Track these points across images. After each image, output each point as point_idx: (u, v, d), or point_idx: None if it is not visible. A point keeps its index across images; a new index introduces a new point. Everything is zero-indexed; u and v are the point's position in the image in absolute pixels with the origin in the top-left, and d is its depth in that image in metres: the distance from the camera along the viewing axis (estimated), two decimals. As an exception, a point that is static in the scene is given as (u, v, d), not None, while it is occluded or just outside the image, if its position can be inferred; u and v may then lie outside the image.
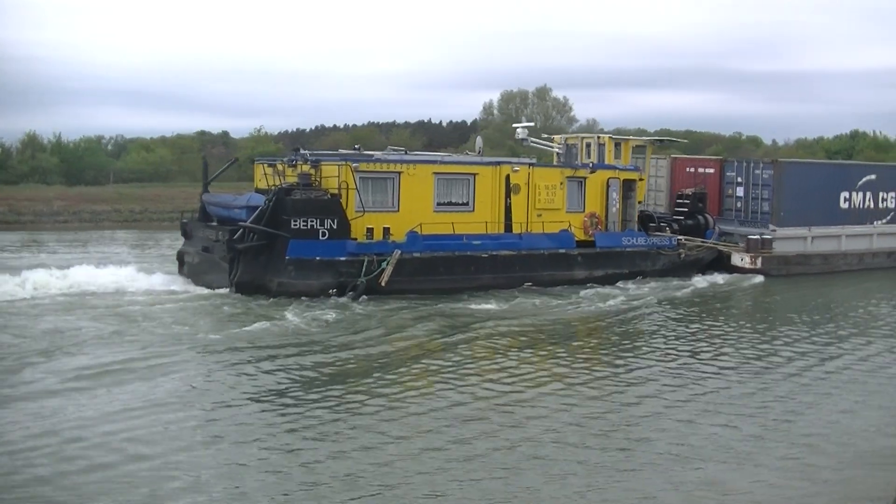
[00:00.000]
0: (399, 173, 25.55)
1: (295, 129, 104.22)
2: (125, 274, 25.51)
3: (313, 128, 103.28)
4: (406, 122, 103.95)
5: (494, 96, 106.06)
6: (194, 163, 69.52)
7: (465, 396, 14.69)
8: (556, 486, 10.65)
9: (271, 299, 23.02)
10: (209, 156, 74.58)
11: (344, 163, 24.74)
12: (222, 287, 24.10)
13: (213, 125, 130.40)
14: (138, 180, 63.08)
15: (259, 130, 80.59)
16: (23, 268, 25.51)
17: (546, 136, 34.51)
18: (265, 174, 25.77)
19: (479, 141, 32.69)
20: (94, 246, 36.19)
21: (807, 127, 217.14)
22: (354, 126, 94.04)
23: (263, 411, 13.56)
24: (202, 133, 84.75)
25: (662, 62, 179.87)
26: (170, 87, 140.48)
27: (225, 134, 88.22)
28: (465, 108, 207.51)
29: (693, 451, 12.06)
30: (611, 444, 12.29)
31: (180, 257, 27.33)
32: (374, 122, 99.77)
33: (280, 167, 25.96)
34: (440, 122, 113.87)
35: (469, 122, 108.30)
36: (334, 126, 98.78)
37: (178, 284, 25.41)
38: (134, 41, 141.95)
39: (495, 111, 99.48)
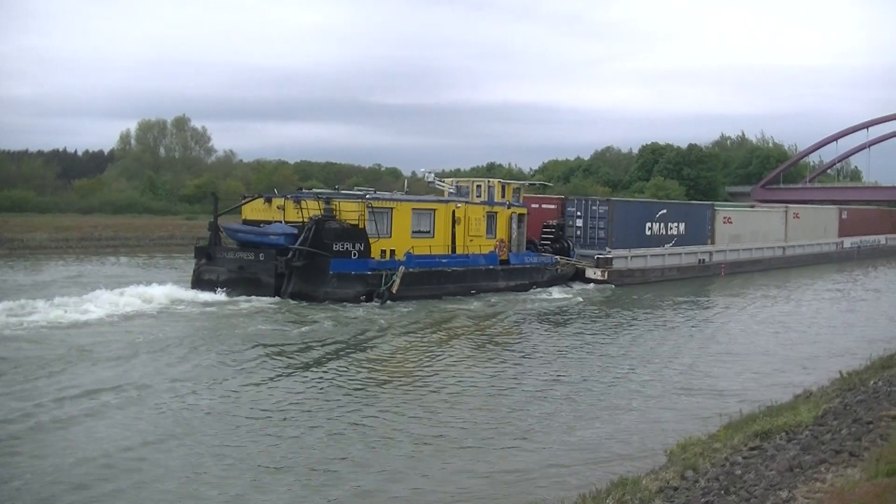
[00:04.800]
0: (392, 208, 34.95)
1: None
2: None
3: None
4: (39, 151, 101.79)
5: (132, 125, 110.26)
6: None
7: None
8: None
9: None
10: None
11: (362, 200, 33.73)
12: (262, 297, 31.71)
13: None
14: None
15: None
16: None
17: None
18: (299, 208, 33.43)
19: (406, 184, 42.36)
20: None
21: (445, 159, 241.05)
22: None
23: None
24: None
25: (300, 94, 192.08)
26: None
27: None
28: (102, 137, 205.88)
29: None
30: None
31: (198, 276, 34.08)
32: (4, 150, 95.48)
33: (282, 202, 34.28)
34: (76, 151, 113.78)
35: (106, 151, 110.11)
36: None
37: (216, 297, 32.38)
38: None
39: (133, 141, 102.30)
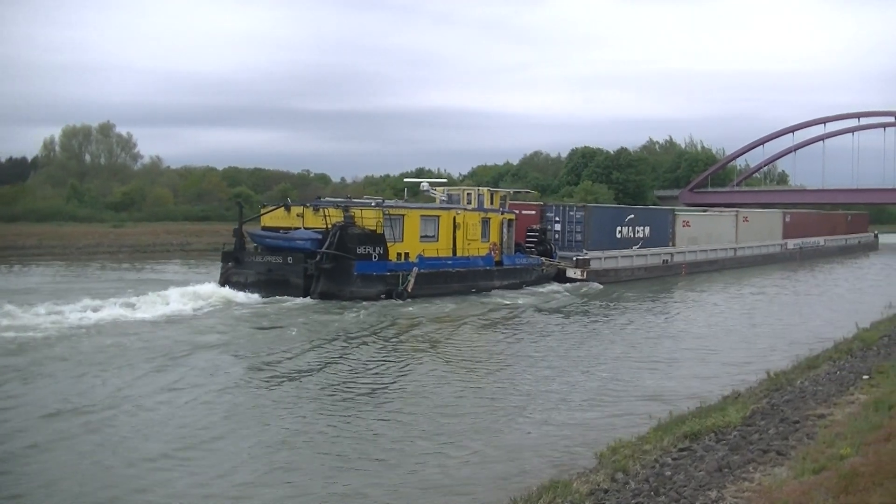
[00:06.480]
0: (403, 216, 38.19)
1: None
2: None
3: None
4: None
5: (56, 132, 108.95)
6: None
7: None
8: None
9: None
10: None
11: (379, 207, 36.99)
12: (294, 297, 34.66)
13: None
14: None
15: None
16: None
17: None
18: (320, 215, 36.36)
19: (406, 192, 45.58)
20: None
21: (374, 165, 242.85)
22: None
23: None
24: None
25: (226, 100, 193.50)
26: None
27: None
28: (24, 143, 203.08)
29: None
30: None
31: (227, 278, 36.81)
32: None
33: (301, 210, 37.33)
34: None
35: (30, 158, 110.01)
36: None
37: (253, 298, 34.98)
38: None
39: (57, 147, 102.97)
